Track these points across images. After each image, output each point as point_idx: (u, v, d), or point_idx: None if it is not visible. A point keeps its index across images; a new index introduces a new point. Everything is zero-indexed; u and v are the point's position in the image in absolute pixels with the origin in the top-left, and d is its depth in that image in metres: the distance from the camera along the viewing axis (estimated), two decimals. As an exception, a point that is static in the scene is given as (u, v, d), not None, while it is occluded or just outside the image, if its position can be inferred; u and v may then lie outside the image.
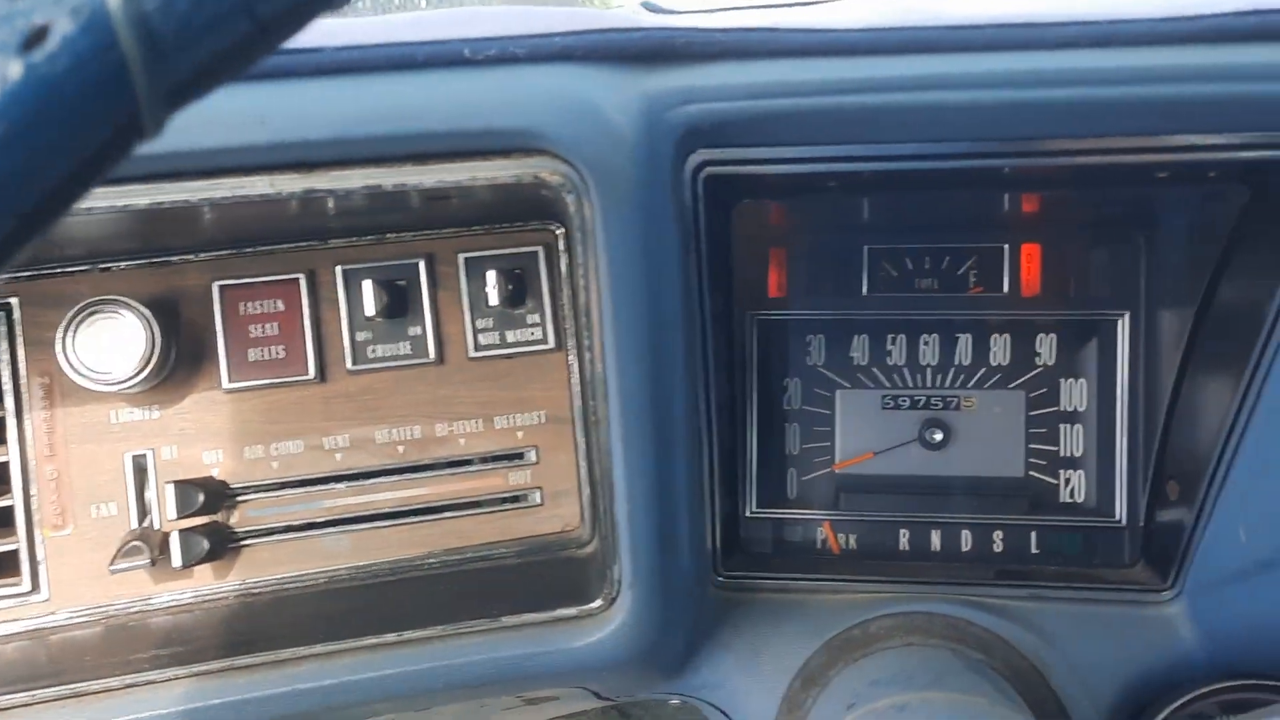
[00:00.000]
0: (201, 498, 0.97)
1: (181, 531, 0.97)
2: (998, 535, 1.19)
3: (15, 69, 0.33)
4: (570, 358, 1.06)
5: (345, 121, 0.74)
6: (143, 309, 0.95)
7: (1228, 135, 0.81)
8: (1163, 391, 1.10)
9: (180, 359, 1.01)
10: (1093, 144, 0.82)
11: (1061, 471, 1.19)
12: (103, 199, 0.75)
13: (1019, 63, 0.76)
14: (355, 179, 0.76)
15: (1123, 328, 1.15)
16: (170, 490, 0.96)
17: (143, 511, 1.00)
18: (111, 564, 0.93)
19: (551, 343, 1.05)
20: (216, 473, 1.02)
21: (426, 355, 1.04)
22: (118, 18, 0.34)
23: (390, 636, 0.93)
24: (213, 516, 1.01)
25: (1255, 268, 0.94)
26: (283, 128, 0.73)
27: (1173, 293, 1.09)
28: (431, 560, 1.05)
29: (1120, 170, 0.86)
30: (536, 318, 1.05)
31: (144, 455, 1.01)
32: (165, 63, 0.35)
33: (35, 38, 0.34)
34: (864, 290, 1.19)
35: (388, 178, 0.76)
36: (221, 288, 1.02)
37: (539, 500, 1.07)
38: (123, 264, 1.00)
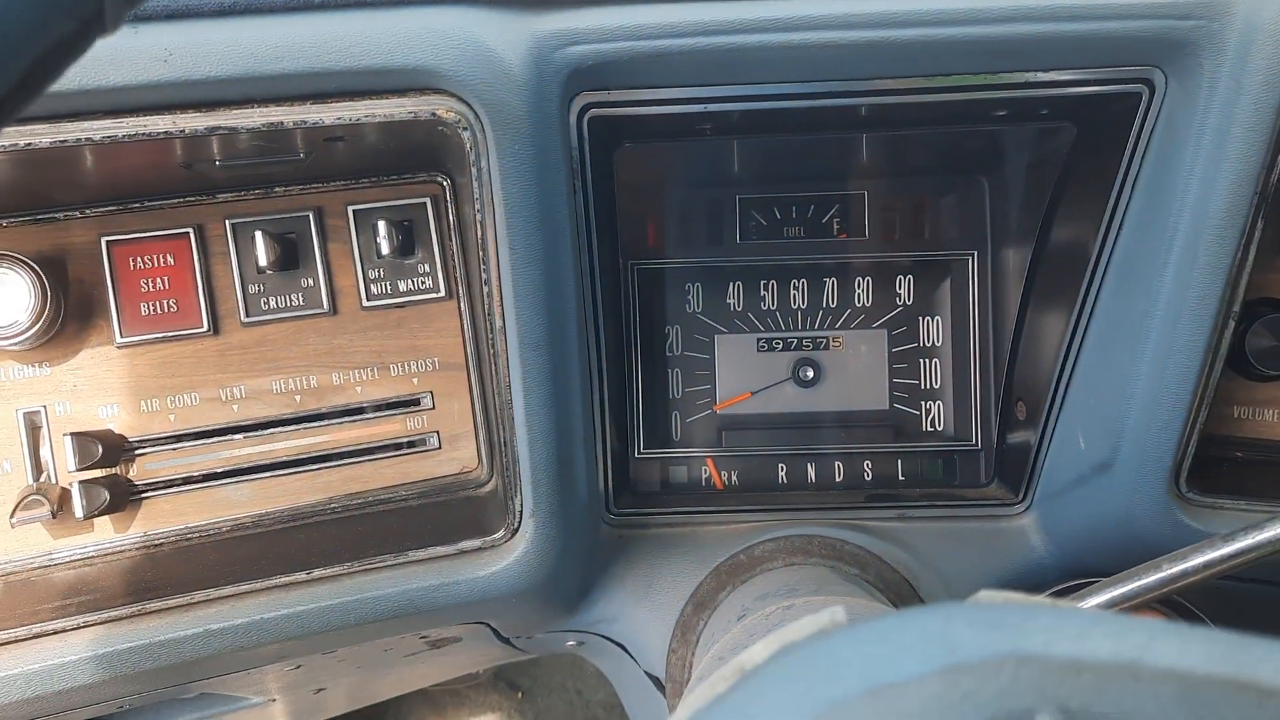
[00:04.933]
0: (100, 450, 0.97)
1: (82, 483, 0.97)
2: (867, 464, 1.28)
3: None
4: (461, 305, 1.09)
5: (248, 60, 0.76)
6: (30, 264, 0.95)
7: (1055, 73, 0.90)
8: (1009, 323, 1.21)
9: (70, 315, 1.01)
10: (939, 83, 0.90)
11: (923, 402, 1.28)
12: (5, 137, 0.76)
13: (873, 5, 0.84)
14: (257, 117, 0.78)
15: (972, 266, 1.25)
16: (69, 442, 0.96)
17: (38, 467, 1.00)
18: (12, 516, 0.93)
19: (442, 291, 1.09)
20: (113, 427, 1.03)
21: (320, 306, 1.07)
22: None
23: (300, 575, 0.95)
24: (111, 470, 1.02)
25: (1080, 205, 1.04)
26: (186, 66, 0.75)
27: (1013, 232, 1.20)
28: (334, 505, 1.08)
29: (964, 107, 0.95)
30: (427, 267, 1.08)
31: (37, 411, 1.01)
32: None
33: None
34: (737, 238, 1.26)
35: (289, 115, 0.79)
36: (109, 243, 1.02)
37: (436, 444, 1.11)
38: (4, 221, 1.00)
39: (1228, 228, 0.88)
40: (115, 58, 0.75)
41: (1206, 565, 0.82)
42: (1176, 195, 0.90)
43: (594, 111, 0.90)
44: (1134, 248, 0.98)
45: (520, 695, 2.47)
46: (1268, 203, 0.89)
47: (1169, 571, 0.84)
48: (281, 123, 0.79)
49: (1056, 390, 1.10)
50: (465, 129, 0.82)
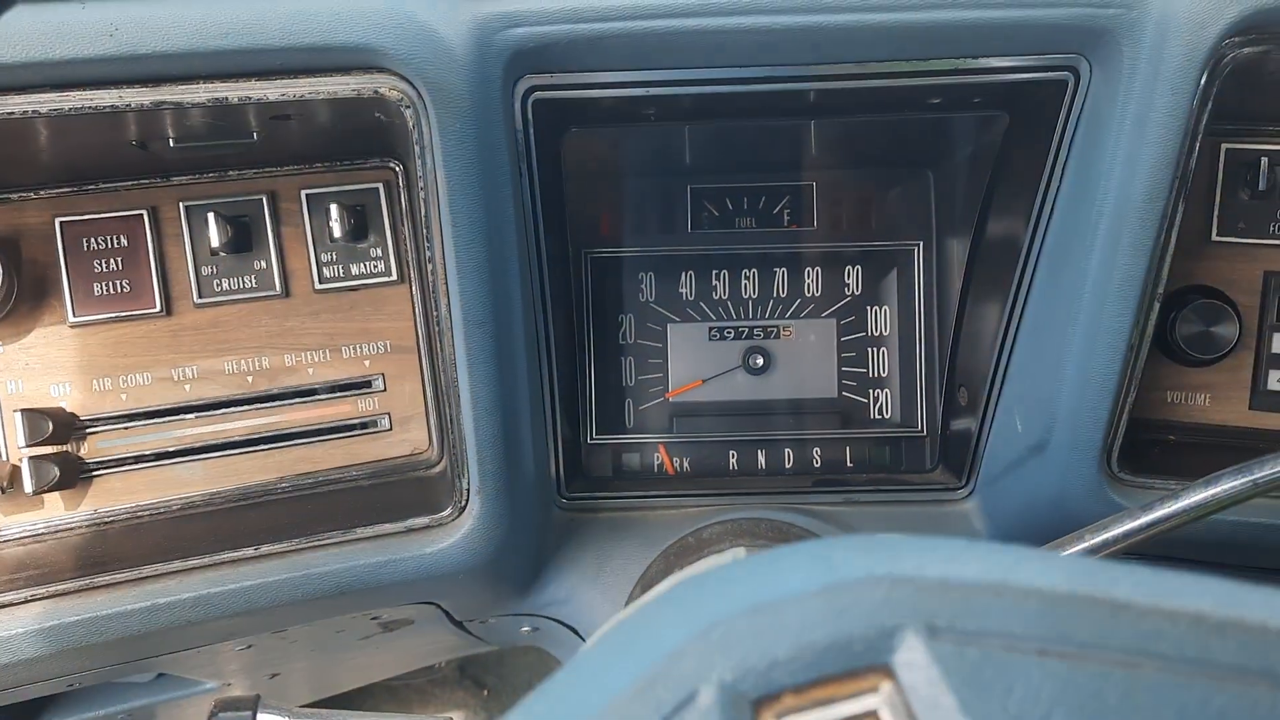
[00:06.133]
0: (50, 426, 0.99)
1: (32, 458, 0.98)
2: (816, 450, 1.30)
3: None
4: (413, 289, 1.11)
5: (192, 36, 0.78)
6: (-18, 244, 0.97)
7: (985, 60, 0.93)
8: (952, 311, 1.23)
9: (23, 295, 1.02)
10: (875, 68, 0.93)
11: (871, 390, 1.31)
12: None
13: (806, -8, 0.87)
14: (202, 92, 0.80)
15: (918, 256, 1.28)
16: (19, 418, 0.98)
17: (-12, 444, 1.01)
18: (-41, 492, 0.95)
19: (394, 275, 1.11)
20: (65, 405, 1.04)
21: (272, 288, 1.09)
22: None
23: (248, 551, 0.96)
24: (62, 447, 1.03)
25: (1013, 194, 1.07)
26: (132, 40, 0.77)
27: (956, 224, 1.23)
28: (284, 484, 1.09)
29: (901, 94, 0.98)
30: (379, 251, 1.10)
31: (-12, 389, 1.02)
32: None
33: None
34: (688, 228, 1.29)
35: (234, 91, 0.81)
36: (63, 224, 1.03)
37: (387, 425, 1.13)
38: (-42, 203, 1.01)
39: (1149, 212, 0.91)
40: (61, 31, 0.76)
41: (1126, 535, 0.85)
42: (1101, 180, 0.93)
43: (538, 94, 0.92)
44: (1063, 234, 1.00)
45: (486, 693, 2.47)
46: (1188, 188, 0.92)
47: (1092, 541, 0.87)
48: (226, 98, 0.81)
49: (995, 376, 1.13)
50: (408, 107, 0.84)
